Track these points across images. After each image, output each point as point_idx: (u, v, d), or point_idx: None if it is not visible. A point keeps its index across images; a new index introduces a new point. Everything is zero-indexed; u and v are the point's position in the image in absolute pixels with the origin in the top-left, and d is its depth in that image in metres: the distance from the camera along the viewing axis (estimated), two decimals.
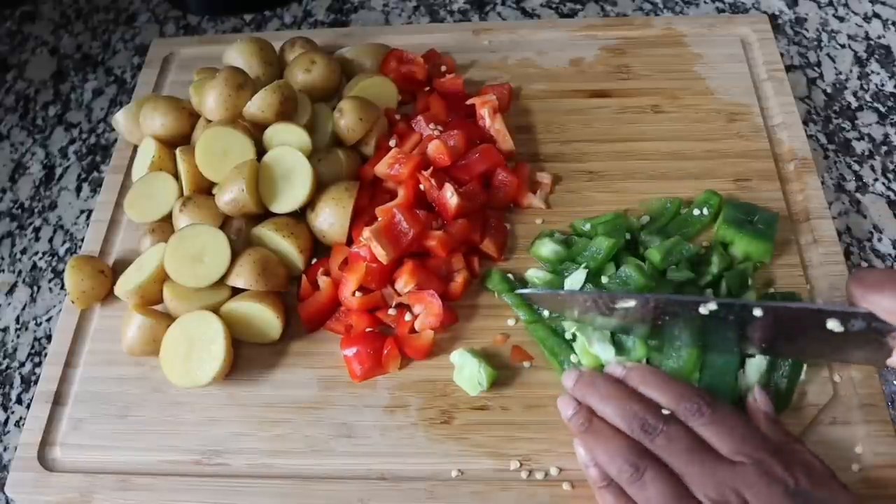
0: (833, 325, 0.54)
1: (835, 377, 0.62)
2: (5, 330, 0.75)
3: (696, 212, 0.70)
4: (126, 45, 1.00)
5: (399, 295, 0.66)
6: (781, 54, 0.84)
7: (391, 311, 0.66)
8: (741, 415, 0.54)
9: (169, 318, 0.66)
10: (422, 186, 0.70)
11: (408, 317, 0.65)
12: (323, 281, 0.68)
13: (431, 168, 0.71)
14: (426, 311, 0.65)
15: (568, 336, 0.64)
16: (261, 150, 0.72)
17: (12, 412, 0.70)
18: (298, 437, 0.62)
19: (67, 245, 0.81)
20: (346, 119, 0.73)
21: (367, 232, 0.66)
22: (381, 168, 0.72)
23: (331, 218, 0.69)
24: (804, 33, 0.91)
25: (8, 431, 0.69)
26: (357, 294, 0.66)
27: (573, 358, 0.63)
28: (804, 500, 0.49)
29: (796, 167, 0.74)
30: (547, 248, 0.69)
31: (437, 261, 0.67)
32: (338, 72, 0.80)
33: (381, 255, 0.65)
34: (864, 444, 0.58)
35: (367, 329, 0.66)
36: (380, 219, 0.67)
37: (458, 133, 0.72)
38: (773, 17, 0.93)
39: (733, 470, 0.51)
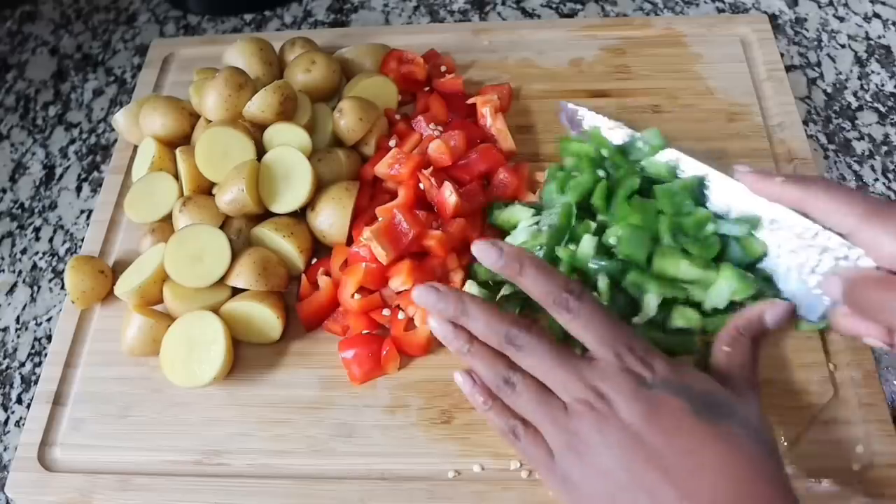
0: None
1: (835, 377, 0.62)
2: (5, 330, 0.75)
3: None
4: (126, 45, 1.00)
5: (397, 294, 0.66)
6: (781, 54, 0.84)
7: (385, 312, 0.66)
8: (607, 309, 0.52)
9: (169, 319, 0.66)
10: (422, 186, 0.70)
11: (401, 315, 0.65)
12: (323, 281, 0.68)
13: (431, 168, 0.71)
14: (420, 311, 0.65)
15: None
16: (261, 150, 0.72)
17: (12, 412, 0.70)
18: (299, 437, 0.62)
19: (67, 245, 0.81)
20: (346, 119, 0.73)
21: (367, 232, 0.66)
22: (381, 168, 0.72)
23: (331, 218, 0.69)
24: (804, 33, 0.91)
25: (8, 431, 0.69)
26: (356, 296, 0.66)
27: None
28: (666, 390, 0.48)
29: (796, 167, 0.74)
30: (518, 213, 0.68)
31: (435, 260, 0.67)
32: (338, 72, 0.80)
33: (381, 255, 0.65)
34: (864, 443, 0.58)
35: (365, 331, 0.66)
36: (380, 219, 0.67)
37: (459, 133, 0.72)
38: (773, 17, 0.93)
39: (592, 367, 0.50)
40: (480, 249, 0.53)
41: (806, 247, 0.57)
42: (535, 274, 0.52)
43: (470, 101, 0.78)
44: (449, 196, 0.67)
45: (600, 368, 0.50)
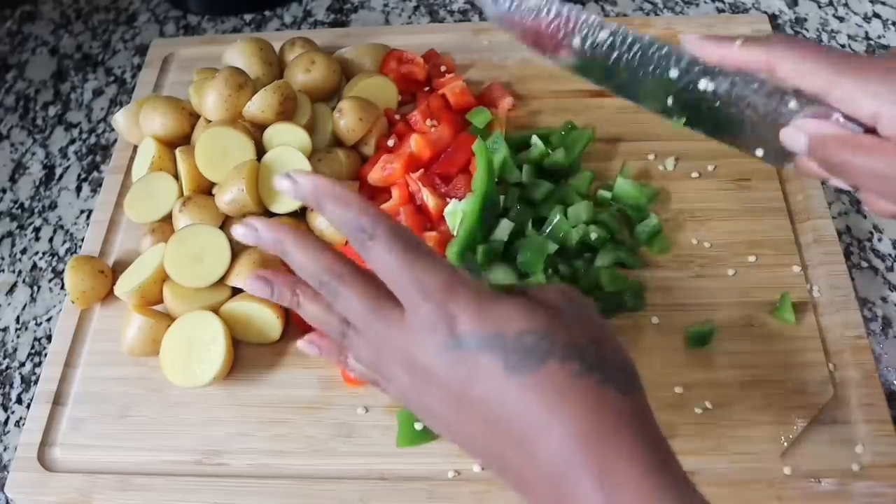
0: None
1: (835, 377, 0.62)
2: (5, 330, 0.75)
3: None
4: (126, 45, 1.00)
5: None
6: None
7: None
8: (401, 257, 0.40)
9: (169, 319, 0.66)
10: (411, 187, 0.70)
11: None
12: None
13: (421, 170, 0.71)
14: None
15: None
16: (261, 150, 0.72)
17: (12, 412, 0.70)
18: (299, 437, 0.62)
19: (67, 245, 0.81)
20: (346, 119, 0.73)
21: None
22: (375, 175, 0.72)
23: None
24: (804, 33, 0.91)
25: (8, 431, 0.69)
26: None
27: None
28: (473, 346, 0.38)
29: (796, 167, 0.74)
30: None
31: None
32: (338, 72, 0.80)
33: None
34: (864, 443, 0.58)
35: None
36: None
37: (443, 126, 0.73)
38: (773, 17, 0.93)
39: (402, 325, 0.41)
40: (239, 235, 0.46)
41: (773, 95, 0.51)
42: (297, 251, 0.43)
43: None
44: (426, 198, 0.68)
45: (407, 326, 0.40)
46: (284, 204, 0.70)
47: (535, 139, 0.73)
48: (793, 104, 0.48)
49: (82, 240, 0.76)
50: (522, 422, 0.37)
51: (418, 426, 0.60)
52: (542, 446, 0.36)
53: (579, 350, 0.38)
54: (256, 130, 0.73)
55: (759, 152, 0.52)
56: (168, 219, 0.72)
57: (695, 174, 0.75)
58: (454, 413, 0.40)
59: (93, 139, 0.90)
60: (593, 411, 0.36)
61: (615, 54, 0.53)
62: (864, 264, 0.72)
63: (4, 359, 0.74)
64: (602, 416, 0.36)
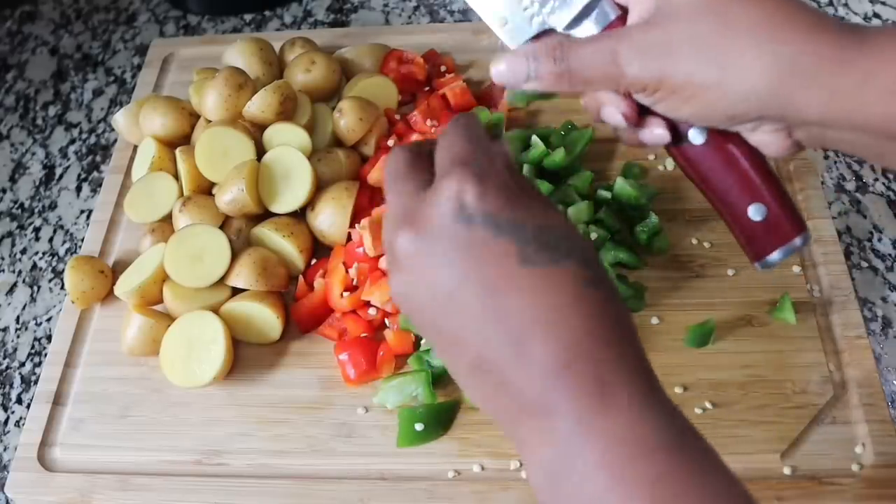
0: None
1: (835, 377, 0.62)
2: (5, 330, 0.75)
3: None
4: (126, 45, 1.00)
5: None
6: None
7: (371, 312, 0.66)
8: (472, 129, 0.40)
9: (169, 319, 0.66)
10: None
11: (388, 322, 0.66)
12: (318, 283, 0.68)
13: None
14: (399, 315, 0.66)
15: None
16: (261, 150, 0.72)
17: (12, 412, 0.70)
18: (298, 437, 0.62)
19: (67, 245, 0.81)
20: (346, 119, 0.73)
21: (363, 221, 0.66)
22: (375, 175, 0.72)
23: (331, 218, 0.69)
24: None
25: (8, 431, 0.69)
26: (345, 294, 0.66)
27: None
28: (489, 227, 0.36)
29: (796, 167, 0.74)
30: None
31: None
32: (338, 72, 0.80)
33: (369, 247, 0.65)
34: (864, 443, 0.58)
35: (363, 335, 0.66)
36: (373, 212, 0.68)
37: (441, 126, 0.73)
38: None
39: (430, 188, 0.38)
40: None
41: None
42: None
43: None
44: None
45: (433, 188, 0.38)
46: (284, 204, 0.70)
47: (535, 139, 0.73)
48: None
49: (82, 240, 0.76)
50: (525, 317, 0.35)
51: (418, 426, 0.60)
52: (537, 350, 0.34)
53: (594, 261, 0.37)
54: (256, 130, 0.73)
55: (500, 24, 0.47)
56: (168, 219, 0.72)
57: None
58: (439, 301, 0.37)
59: (93, 139, 0.90)
60: (600, 324, 0.35)
61: None
62: (864, 264, 0.72)
63: (4, 359, 0.74)
64: (606, 332, 0.35)
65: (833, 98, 0.38)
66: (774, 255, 0.46)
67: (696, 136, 0.45)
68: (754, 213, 0.45)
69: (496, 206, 0.36)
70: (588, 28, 0.45)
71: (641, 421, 0.33)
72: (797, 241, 0.46)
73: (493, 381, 0.36)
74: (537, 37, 0.46)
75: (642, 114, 0.44)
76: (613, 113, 0.44)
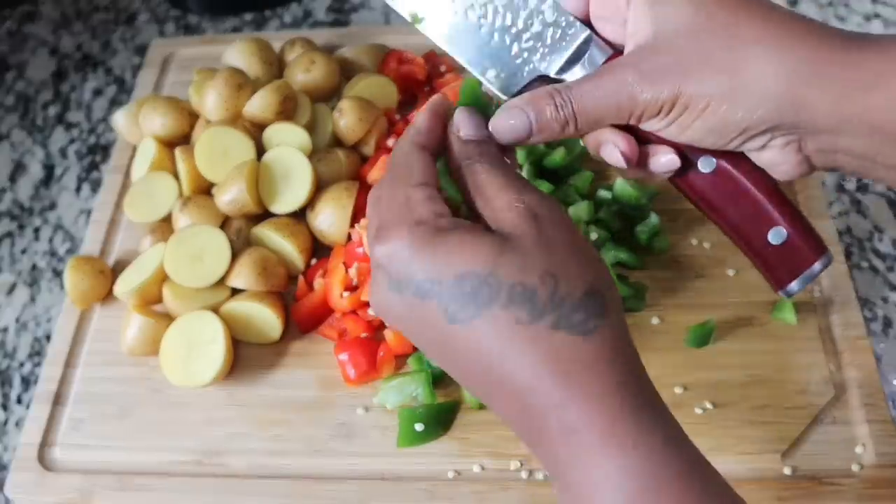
0: None
1: (835, 377, 0.62)
2: (5, 330, 0.75)
3: None
4: (126, 45, 1.00)
5: None
6: None
7: (371, 312, 0.66)
8: (392, 172, 0.39)
9: (169, 319, 0.66)
10: None
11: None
12: (318, 283, 0.68)
13: None
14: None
15: None
16: (261, 150, 0.72)
17: (12, 412, 0.70)
18: (298, 437, 0.62)
19: (67, 245, 0.81)
20: (346, 119, 0.73)
21: (363, 221, 0.66)
22: (375, 175, 0.72)
23: (331, 218, 0.69)
24: None
25: (8, 431, 0.69)
26: (345, 294, 0.66)
27: None
28: (412, 291, 0.35)
29: None
30: None
31: None
32: (338, 72, 0.80)
33: (366, 245, 0.65)
34: (864, 443, 0.58)
35: (363, 335, 0.66)
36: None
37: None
38: None
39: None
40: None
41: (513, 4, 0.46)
42: None
43: None
44: None
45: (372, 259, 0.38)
46: (284, 204, 0.70)
47: None
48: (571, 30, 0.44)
49: (82, 240, 0.76)
50: (474, 370, 0.35)
51: (418, 427, 0.60)
52: (500, 393, 0.35)
53: (528, 291, 0.34)
54: (256, 130, 0.73)
55: (491, 74, 0.46)
56: (168, 219, 0.72)
57: None
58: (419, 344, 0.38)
59: (93, 139, 0.90)
60: (544, 362, 0.33)
61: None
62: (865, 264, 0.72)
63: (4, 359, 0.74)
64: (554, 367, 0.33)
65: (844, 98, 0.38)
66: (798, 281, 0.45)
67: (705, 165, 0.44)
68: (773, 237, 0.44)
69: (414, 269, 0.35)
70: (581, 71, 0.44)
71: (598, 466, 0.33)
72: (818, 265, 0.44)
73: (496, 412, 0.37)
74: (529, 85, 0.45)
75: (647, 144, 0.43)
76: (612, 151, 0.43)
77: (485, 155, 0.40)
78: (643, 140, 0.43)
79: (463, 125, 0.41)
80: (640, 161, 0.43)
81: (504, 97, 0.45)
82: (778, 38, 0.38)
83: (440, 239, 0.35)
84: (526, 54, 0.45)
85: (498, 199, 0.37)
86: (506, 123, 0.41)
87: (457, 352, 0.35)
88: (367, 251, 0.38)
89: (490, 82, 0.45)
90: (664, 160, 0.43)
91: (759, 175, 0.43)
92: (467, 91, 0.47)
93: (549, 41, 0.44)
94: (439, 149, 0.41)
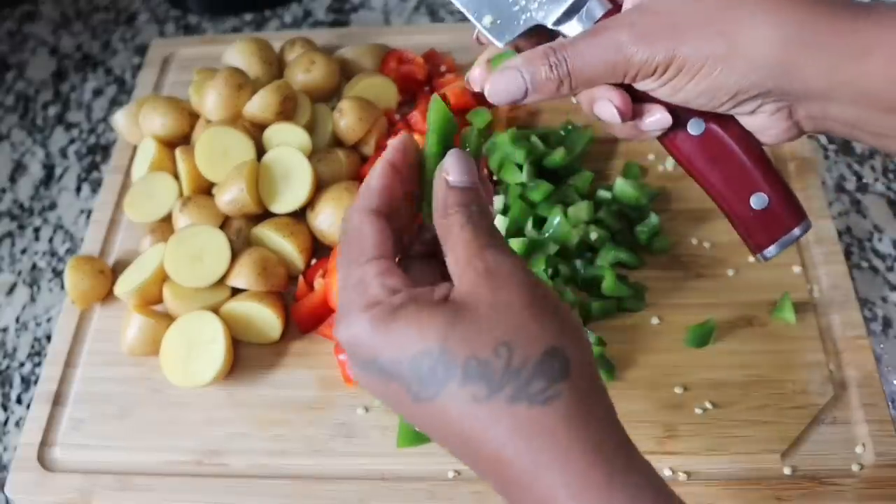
0: None
1: (835, 377, 0.62)
2: (5, 330, 0.75)
3: None
4: (126, 45, 1.00)
5: None
6: None
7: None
8: (349, 251, 0.38)
9: (169, 319, 0.66)
10: None
11: None
12: (318, 283, 0.68)
13: None
14: None
15: None
16: (261, 150, 0.72)
17: (12, 412, 0.70)
18: (298, 437, 0.62)
19: (67, 245, 0.81)
20: (346, 119, 0.73)
21: None
22: None
23: (331, 218, 0.69)
24: None
25: (8, 431, 0.69)
26: None
27: None
28: (379, 373, 0.35)
29: (796, 167, 0.74)
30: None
31: None
32: (338, 72, 0.80)
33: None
34: (864, 443, 0.58)
35: None
36: None
37: None
38: None
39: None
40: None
41: None
42: None
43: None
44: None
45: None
46: (284, 204, 0.70)
47: (534, 139, 0.73)
48: None
49: (82, 240, 0.76)
50: (453, 442, 0.35)
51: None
52: (481, 465, 0.34)
53: (482, 365, 0.33)
54: (256, 130, 0.73)
55: (488, 20, 0.46)
56: (168, 219, 0.72)
57: None
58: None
59: (93, 139, 0.90)
60: (508, 436, 0.32)
61: None
62: (865, 264, 0.72)
63: (4, 359, 0.74)
64: (518, 440, 0.32)
65: (837, 65, 0.38)
66: (776, 245, 0.46)
67: (694, 127, 0.44)
68: (755, 202, 0.44)
69: (375, 352, 0.34)
70: (578, 24, 0.44)
71: None
72: (797, 230, 0.45)
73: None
74: (525, 35, 0.45)
75: (638, 102, 0.43)
76: (606, 106, 0.43)
77: (469, 205, 0.37)
78: (635, 98, 0.43)
79: (454, 170, 0.38)
80: (632, 117, 0.43)
81: (499, 44, 0.45)
82: (775, 1, 0.38)
83: (394, 318, 0.34)
84: (523, 2, 0.44)
85: (462, 256, 0.36)
86: (501, 86, 0.41)
87: (432, 427, 0.35)
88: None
89: (486, 28, 0.45)
90: (655, 118, 0.43)
91: (747, 140, 0.44)
92: (437, 115, 0.44)
93: None
94: (394, 209, 0.39)
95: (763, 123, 0.42)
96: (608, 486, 0.32)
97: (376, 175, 0.39)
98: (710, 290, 0.67)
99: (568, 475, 0.32)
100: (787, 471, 0.57)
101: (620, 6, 0.43)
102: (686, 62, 0.39)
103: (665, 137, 0.45)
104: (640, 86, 0.42)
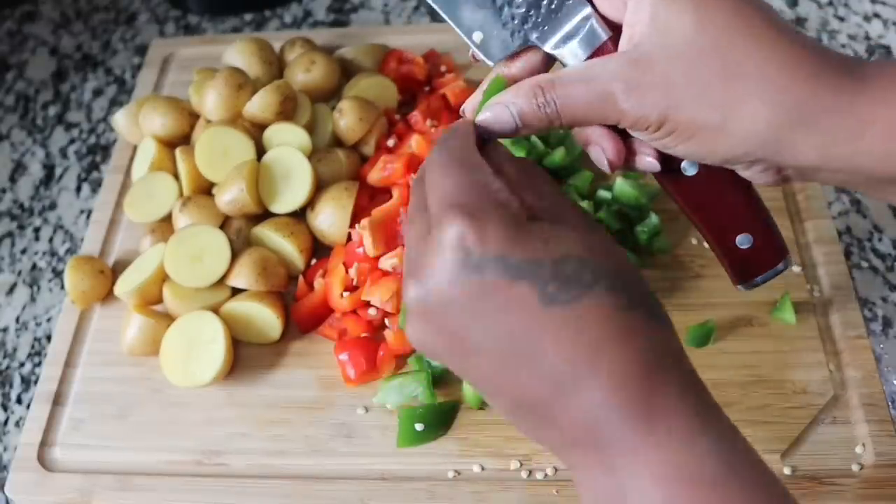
0: None
1: (835, 377, 0.62)
2: (5, 330, 0.75)
3: None
4: (126, 45, 1.00)
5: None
6: None
7: (371, 312, 0.66)
8: (454, 155, 0.38)
9: (169, 319, 0.66)
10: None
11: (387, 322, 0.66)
12: (318, 283, 0.68)
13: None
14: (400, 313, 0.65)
15: None
16: (261, 150, 0.72)
17: (12, 412, 0.70)
18: (298, 437, 0.62)
19: (67, 245, 0.81)
20: (346, 119, 0.73)
21: (363, 221, 0.66)
22: (374, 175, 0.72)
23: (331, 218, 0.69)
24: (804, 33, 0.91)
25: (8, 431, 0.69)
26: (345, 294, 0.66)
27: None
28: (501, 271, 0.34)
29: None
30: None
31: None
32: (338, 72, 0.80)
33: (370, 247, 0.65)
34: (864, 443, 0.58)
35: (363, 334, 0.66)
36: (373, 212, 0.68)
37: (441, 126, 0.73)
38: None
39: (430, 234, 0.36)
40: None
41: None
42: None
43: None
44: None
45: (431, 237, 0.36)
46: (284, 204, 0.70)
47: (534, 139, 0.73)
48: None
49: (82, 240, 0.76)
50: (560, 360, 0.33)
51: (419, 426, 0.60)
52: (583, 388, 0.33)
53: (623, 281, 0.35)
54: (256, 130, 0.73)
55: (477, 37, 0.44)
56: (168, 219, 0.72)
57: None
58: (469, 357, 0.36)
59: (93, 139, 0.90)
60: (641, 350, 0.33)
61: None
62: (864, 264, 0.72)
63: (4, 359, 0.74)
64: (649, 356, 0.34)
65: (832, 143, 0.38)
66: (756, 280, 0.48)
67: (688, 168, 0.44)
68: (741, 241, 0.46)
69: (503, 247, 0.34)
70: (576, 49, 0.42)
71: (691, 452, 0.32)
72: (779, 266, 0.47)
73: (537, 418, 0.35)
74: (519, 53, 0.44)
75: (632, 138, 0.43)
76: (598, 154, 0.42)
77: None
78: (628, 135, 0.43)
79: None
80: (626, 156, 0.43)
81: (489, 63, 0.44)
82: (775, 73, 0.37)
83: (532, 224, 0.35)
84: (516, 22, 0.43)
85: (557, 199, 0.38)
86: (492, 119, 0.41)
87: (539, 339, 0.33)
88: (426, 240, 0.35)
89: (476, 45, 0.44)
90: (646, 162, 0.44)
91: (739, 183, 0.44)
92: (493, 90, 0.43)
93: (543, 10, 0.42)
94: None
95: (753, 176, 0.43)
96: (707, 413, 0.34)
97: (466, 122, 0.41)
98: (710, 290, 0.67)
99: (690, 395, 0.34)
100: (787, 471, 0.57)
101: (619, 34, 0.41)
102: (679, 126, 0.39)
103: (660, 174, 0.45)
104: (633, 133, 0.42)
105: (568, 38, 0.42)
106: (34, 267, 0.80)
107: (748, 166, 0.41)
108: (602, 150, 0.42)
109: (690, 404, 0.34)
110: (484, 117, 0.41)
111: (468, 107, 0.44)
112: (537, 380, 0.34)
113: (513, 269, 0.34)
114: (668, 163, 0.44)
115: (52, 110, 0.94)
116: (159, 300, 0.68)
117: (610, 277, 0.34)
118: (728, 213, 0.46)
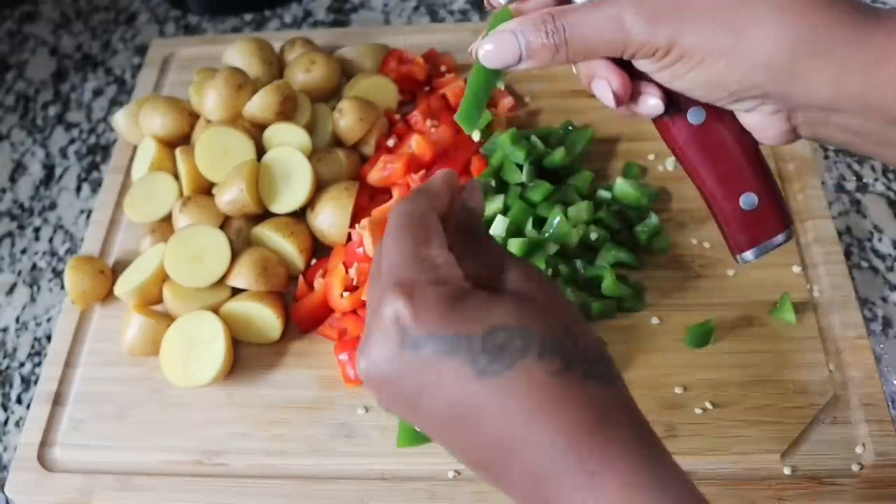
0: None
1: (835, 377, 0.62)
2: (5, 330, 0.75)
3: None
4: (126, 45, 1.00)
5: None
6: None
7: (360, 371, 0.66)
8: (403, 228, 0.38)
9: (169, 319, 0.66)
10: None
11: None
12: (318, 283, 0.68)
13: (423, 171, 0.71)
14: None
15: None
16: (261, 150, 0.72)
17: (12, 412, 0.70)
18: (298, 437, 0.62)
19: (67, 245, 0.81)
20: (346, 119, 0.73)
21: (363, 221, 0.66)
22: (374, 175, 0.72)
23: (331, 218, 0.69)
24: None
25: (8, 431, 0.69)
26: (345, 294, 0.66)
27: None
28: (434, 348, 0.34)
29: (796, 167, 0.74)
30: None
31: None
32: (338, 72, 0.80)
33: (370, 247, 0.65)
34: (864, 443, 0.58)
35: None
36: (373, 212, 0.68)
37: (444, 127, 0.73)
38: None
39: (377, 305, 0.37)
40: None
41: None
42: None
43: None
44: None
45: (375, 314, 0.36)
46: (284, 204, 0.70)
47: (534, 139, 0.73)
48: None
49: (82, 240, 0.76)
50: (500, 428, 0.34)
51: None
52: (526, 451, 0.34)
53: (558, 343, 0.34)
54: (256, 130, 0.73)
55: None
56: (168, 219, 0.72)
57: None
58: (420, 421, 0.37)
59: (93, 139, 0.90)
60: (578, 410, 0.33)
61: None
62: (864, 264, 0.72)
63: (4, 359, 0.74)
64: (588, 415, 0.33)
65: (845, 77, 0.37)
66: (756, 249, 0.45)
67: (694, 116, 0.43)
68: (745, 202, 0.44)
69: (437, 325, 0.34)
70: None
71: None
72: (780, 237, 0.45)
73: (491, 476, 0.36)
74: None
75: (637, 80, 0.42)
76: (604, 87, 0.41)
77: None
78: (635, 75, 0.41)
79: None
80: (630, 97, 0.42)
81: (502, 1, 0.43)
82: (789, 1, 0.37)
83: (465, 296, 0.35)
84: None
85: (502, 263, 0.38)
86: (495, 48, 0.40)
87: (479, 409, 0.34)
88: (375, 313, 0.36)
89: None
90: (650, 104, 0.42)
91: (745, 137, 0.43)
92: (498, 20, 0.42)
93: None
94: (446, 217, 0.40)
95: (760, 123, 0.41)
96: (655, 467, 0.34)
97: (438, 185, 0.40)
98: (710, 290, 0.67)
99: (628, 450, 0.34)
100: (787, 471, 0.57)
101: None
102: (687, 51, 0.38)
103: (662, 122, 0.43)
104: (639, 65, 0.40)
105: None
106: (34, 267, 0.80)
107: (757, 106, 0.40)
108: (608, 82, 0.41)
109: (634, 461, 0.33)
110: (486, 50, 0.40)
111: (475, 45, 0.42)
112: (480, 446, 0.35)
113: (447, 345, 0.34)
114: (674, 108, 0.42)
115: (52, 110, 0.94)
116: (159, 300, 0.68)
117: (541, 344, 0.34)
118: (733, 167, 0.43)
